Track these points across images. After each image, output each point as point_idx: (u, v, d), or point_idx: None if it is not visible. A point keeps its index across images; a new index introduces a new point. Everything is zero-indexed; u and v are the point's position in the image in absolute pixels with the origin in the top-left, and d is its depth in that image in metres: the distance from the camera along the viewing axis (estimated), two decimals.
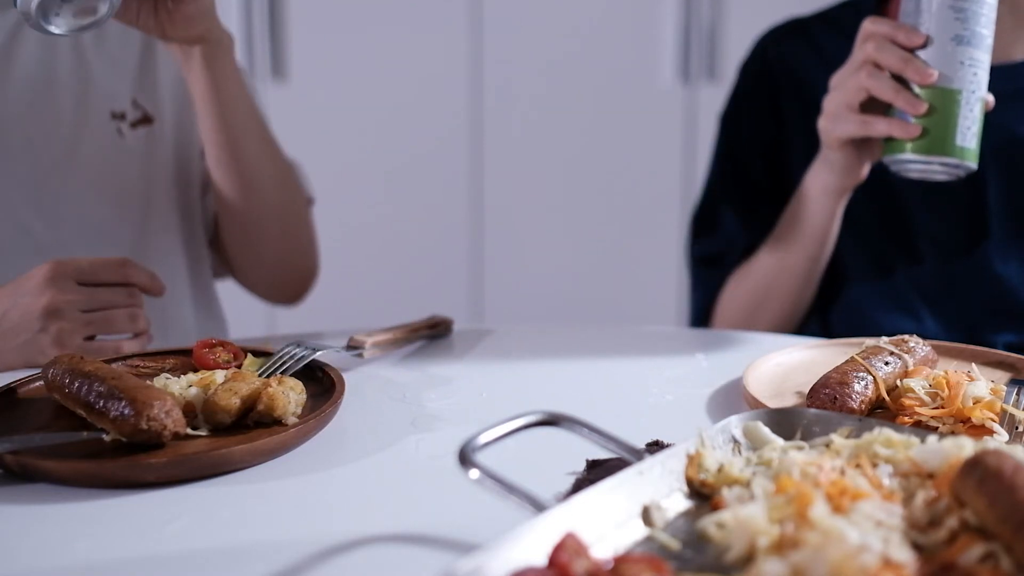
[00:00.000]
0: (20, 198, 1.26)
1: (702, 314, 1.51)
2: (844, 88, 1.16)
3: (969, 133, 1.12)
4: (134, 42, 1.35)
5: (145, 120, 1.34)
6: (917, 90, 1.12)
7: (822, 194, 1.29)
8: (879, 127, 1.13)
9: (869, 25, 1.14)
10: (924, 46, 1.11)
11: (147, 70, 1.35)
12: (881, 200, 1.38)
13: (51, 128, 1.28)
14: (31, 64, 1.27)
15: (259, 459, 0.83)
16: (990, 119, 1.17)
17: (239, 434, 0.86)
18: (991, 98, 1.14)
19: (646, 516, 0.66)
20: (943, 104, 1.11)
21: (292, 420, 0.88)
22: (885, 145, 1.16)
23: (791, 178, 1.38)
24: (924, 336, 1.05)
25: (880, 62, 1.13)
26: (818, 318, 1.44)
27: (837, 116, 1.18)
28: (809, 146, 1.29)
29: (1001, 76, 1.32)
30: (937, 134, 1.11)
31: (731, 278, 1.46)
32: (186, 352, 1.05)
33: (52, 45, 1.28)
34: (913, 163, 1.13)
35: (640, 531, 0.65)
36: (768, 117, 1.45)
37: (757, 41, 1.50)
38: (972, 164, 1.13)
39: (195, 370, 0.96)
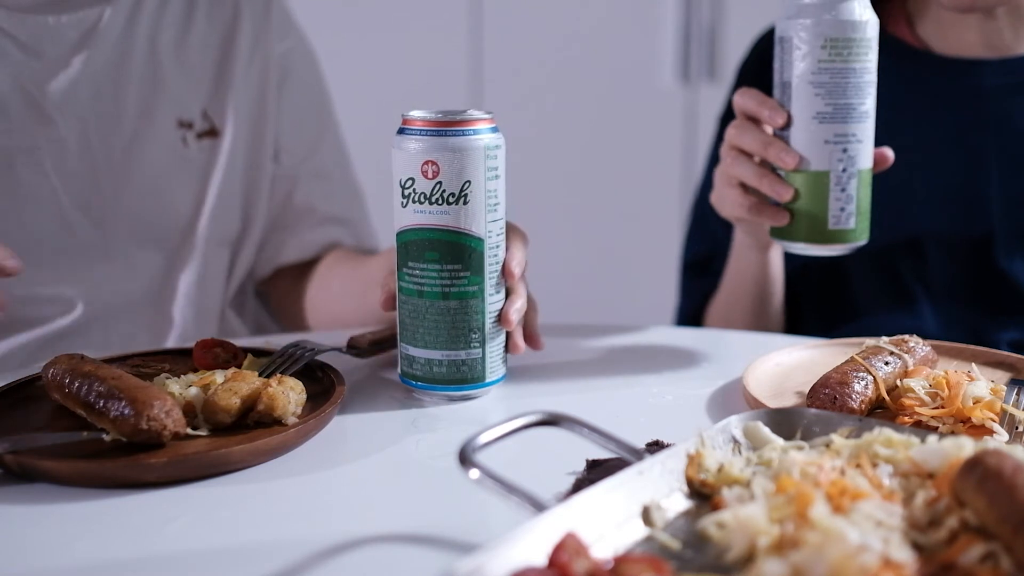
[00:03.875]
0: (70, 196, 1.23)
1: (686, 318, 1.50)
2: (721, 167, 1.12)
3: (844, 214, 1.03)
4: (212, 53, 1.33)
5: (211, 133, 1.32)
6: (784, 174, 1.04)
7: (746, 248, 1.29)
8: (753, 214, 1.08)
9: (736, 99, 1.08)
10: (788, 125, 1.03)
11: (222, 83, 1.33)
12: (882, 196, 1.37)
13: (111, 129, 1.26)
14: (101, 64, 1.24)
15: (259, 459, 0.83)
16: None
17: (239, 434, 0.86)
18: (889, 152, 1.08)
19: (646, 516, 0.66)
20: (810, 188, 1.02)
21: (292, 420, 0.88)
22: (770, 228, 1.09)
23: None
24: (927, 334, 1.05)
25: (742, 147, 1.07)
26: (819, 317, 1.43)
27: (720, 196, 1.14)
28: None
29: (1003, 70, 1.32)
30: (807, 221, 1.04)
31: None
32: (186, 352, 1.05)
33: (127, 49, 1.26)
34: (792, 248, 1.07)
35: (640, 531, 0.65)
36: None
37: (756, 41, 1.50)
38: (855, 243, 1.05)
39: (195, 370, 0.96)
